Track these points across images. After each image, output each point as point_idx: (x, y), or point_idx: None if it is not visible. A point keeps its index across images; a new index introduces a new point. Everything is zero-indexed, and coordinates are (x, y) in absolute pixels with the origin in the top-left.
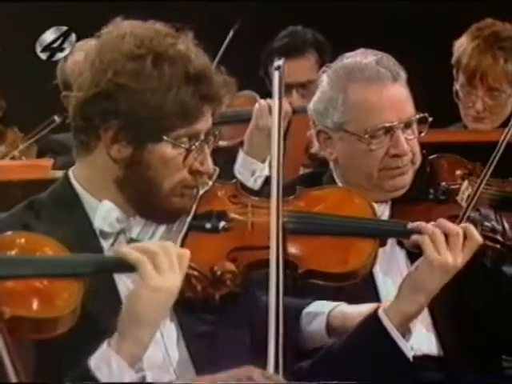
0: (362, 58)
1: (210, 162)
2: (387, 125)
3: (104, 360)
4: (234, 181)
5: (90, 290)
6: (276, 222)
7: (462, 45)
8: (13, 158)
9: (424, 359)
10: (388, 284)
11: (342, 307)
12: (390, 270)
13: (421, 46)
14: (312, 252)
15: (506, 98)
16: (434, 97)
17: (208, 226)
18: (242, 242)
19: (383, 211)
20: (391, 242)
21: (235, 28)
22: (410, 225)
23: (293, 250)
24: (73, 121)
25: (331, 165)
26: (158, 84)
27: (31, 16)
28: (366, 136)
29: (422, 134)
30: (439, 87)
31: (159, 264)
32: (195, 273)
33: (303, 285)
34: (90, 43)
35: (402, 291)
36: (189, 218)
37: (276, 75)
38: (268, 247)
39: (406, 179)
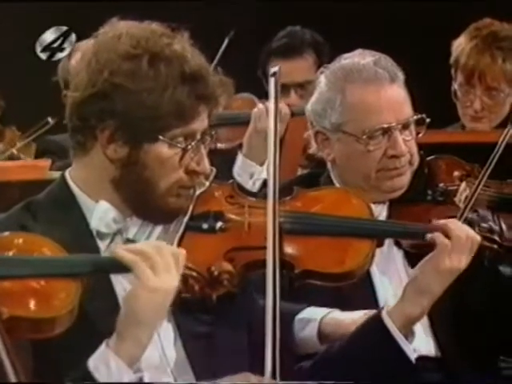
0: (360, 58)
1: (206, 162)
2: (385, 126)
3: (103, 360)
4: (230, 181)
5: (87, 291)
6: (272, 223)
7: (461, 44)
8: (11, 157)
9: (422, 360)
10: (385, 284)
11: (335, 314)
12: (388, 271)
13: (420, 46)
14: (309, 252)
15: (504, 97)
16: (433, 97)
17: (205, 226)
18: (238, 242)
19: (381, 212)
20: (388, 242)
21: (230, 36)
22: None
23: (289, 250)
24: (69, 121)
25: (329, 166)
26: (154, 84)
27: (31, 16)
28: (364, 137)
29: (420, 135)
30: (439, 87)
31: (154, 265)
32: (192, 273)
33: (300, 285)
34: (90, 43)
35: (407, 293)
36: (186, 219)
37: (272, 82)
38: (265, 247)
39: (404, 180)
